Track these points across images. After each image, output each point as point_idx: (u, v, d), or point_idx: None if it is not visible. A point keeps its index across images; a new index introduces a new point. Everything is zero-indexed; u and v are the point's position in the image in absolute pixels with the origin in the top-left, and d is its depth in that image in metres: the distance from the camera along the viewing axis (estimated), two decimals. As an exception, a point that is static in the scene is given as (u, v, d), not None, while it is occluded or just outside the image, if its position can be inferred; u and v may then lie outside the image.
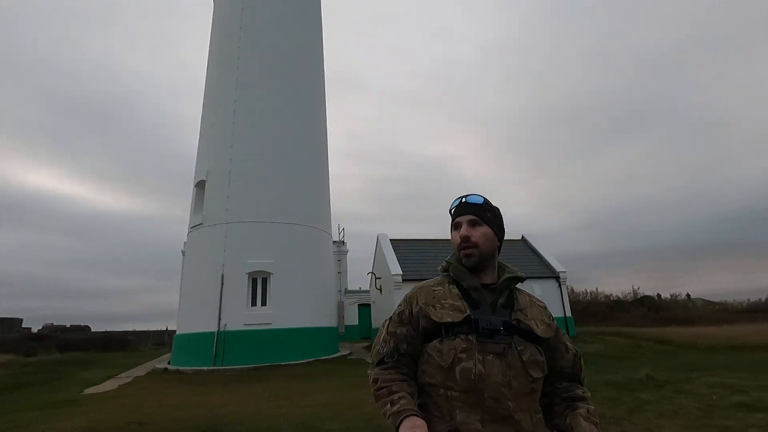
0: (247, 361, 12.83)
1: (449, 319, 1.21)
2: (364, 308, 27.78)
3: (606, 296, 29.40)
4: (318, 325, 15.09)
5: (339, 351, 16.12)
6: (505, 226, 1.44)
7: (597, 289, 29.13)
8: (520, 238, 20.42)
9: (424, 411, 1.18)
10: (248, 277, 14.33)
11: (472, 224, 1.33)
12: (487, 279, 1.30)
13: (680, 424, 5.21)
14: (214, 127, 16.59)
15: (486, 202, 1.39)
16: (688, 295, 34.75)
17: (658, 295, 30.32)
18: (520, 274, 1.35)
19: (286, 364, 12.80)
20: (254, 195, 15.16)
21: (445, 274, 1.39)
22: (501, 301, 1.26)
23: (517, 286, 1.36)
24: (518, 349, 1.18)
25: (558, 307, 17.17)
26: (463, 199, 1.39)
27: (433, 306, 1.26)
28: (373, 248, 20.52)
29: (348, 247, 29.44)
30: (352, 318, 26.76)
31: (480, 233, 1.31)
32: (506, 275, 1.31)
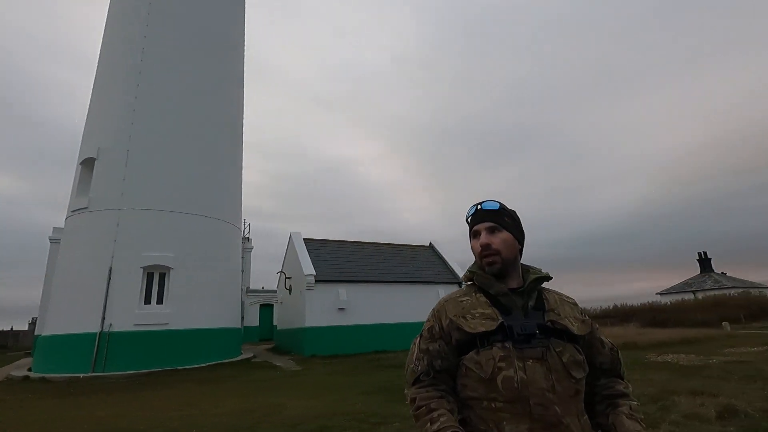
0: (137, 366, 11.40)
1: (483, 329, 1.17)
2: (266, 309, 26.66)
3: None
4: (221, 326, 14.07)
5: (242, 354, 15.21)
6: (524, 229, 1.40)
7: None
8: (427, 244, 21.51)
9: (467, 426, 1.15)
10: (143, 272, 12.79)
11: (491, 231, 1.30)
12: (513, 283, 1.28)
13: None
14: (111, 99, 14.53)
15: (502, 207, 1.35)
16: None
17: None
18: (545, 273, 1.32)
19: (184, 369, 11.67)
20: (156, 179, 13.61)
21: (470, 283, 1.35)
22: (531, 303, 1.24)
23: (544, 285, 1.33)
24: (557, 350, 1.15)
25: (459, 311, 18.47)
26: (479, 207, 1.35)
27: (464, 317, 1.22)
28: (272, 245, 19.84)
29: (252, 243, 28.00)
30: (253, 318, 25.47)
31: (500, 239, 1.28)
32: (532, 276, 1.28)
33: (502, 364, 1.12)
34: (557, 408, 1.09)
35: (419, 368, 1.25)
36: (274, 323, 25.02)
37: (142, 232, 12.97)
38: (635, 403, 1.23)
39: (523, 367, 1.11)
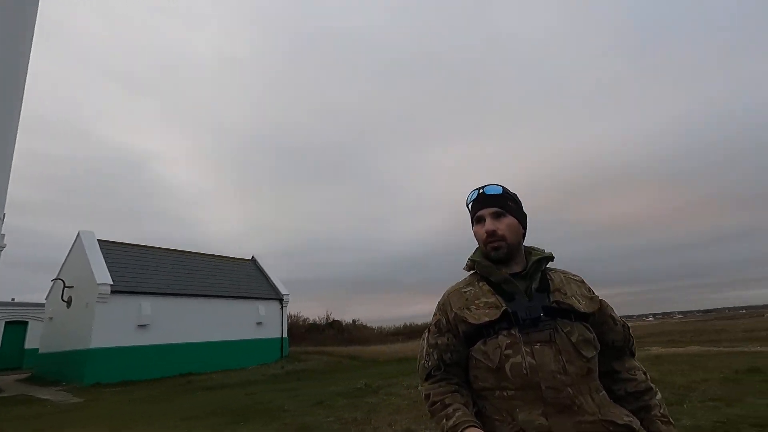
0: None
1: (487, 318, 1.16)
2: (15, 327, 20.34)
3: (304, 319, 32.78)
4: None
5: (-21, 387, 11.21)
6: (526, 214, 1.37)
7: (299, 312, 32.09)
8: (249, 258, 20.52)
9: (483, 417, 1.14)
10: None
11: (496, 216, 1.26)
12: (517, 267, 1.25)
13: (406, 416, 6.77)
14: None
15: (505, 190, 1.31)
16: (353, 321, 43.14)
17: (331, 320, 35.92)
18: (548, 253, 1.28)
19: None
20: None
21: (473, 272, 1.33)
22: (534, 285, 1.20)
23: (549, 265, 1.30)
24: (565, 331, 1.12)
25: (278, 329, 18.08)
26: (481, 191, 1.31)
27: (468, 308, 1.21)
28: (26, 245, 15.72)
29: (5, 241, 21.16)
30: (-9, 340, 19.00)
31: (505, 224, 1.25)
32: (534, 257, 1.25)
33: (509, 352, 1.11)
34: (570, 389, 1.07)
35: (429, 363, 1.25)
36: (29, 346, 19.28)
37: None
38: (660, 396, 1.21)
39: (530, 351, 1.10)
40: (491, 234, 1.24)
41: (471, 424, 1.07)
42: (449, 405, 1.14)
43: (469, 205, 1.34)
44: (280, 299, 18.55)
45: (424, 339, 1.31)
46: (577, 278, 1.29)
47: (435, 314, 1.31)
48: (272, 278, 19.41)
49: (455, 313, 1.23)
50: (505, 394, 1.11)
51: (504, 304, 1.17)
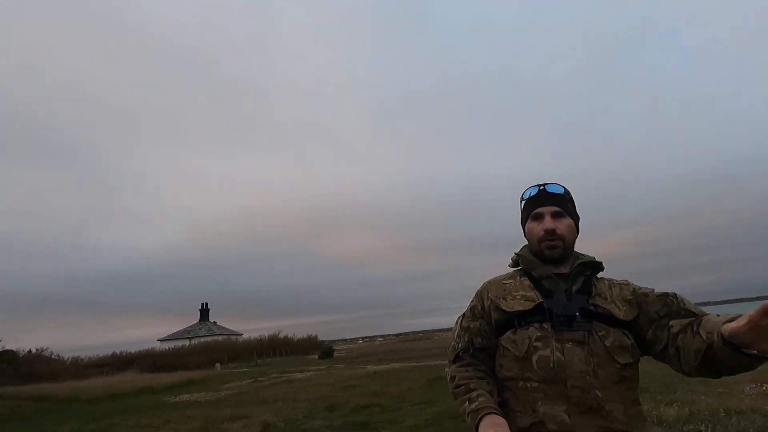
0: None
1: (520, 308, 1.17)
2: None
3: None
4: None
5: None
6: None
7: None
8: None
9: (506, 408, 1.13)
10: None
11: (557, 216, 1.24)
12: (563, 269, 1.24)
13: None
14: None
15: (566, 191, 1.30)
16: (35, 350, 33.01)
17: (2, 349, 26.45)
18: (596, 260, 1.26)
19: None
20: None
21: (516, 268, 1.34)
22: (576, 287, 1.19)
23: (599, 275, 1.26)
24: (599, 334, 1.09)
25: None
26: (542, 187, 1.29)
27: (504, 298, 1.23)
28: None
29: None
30: None
31: (565, 225, 1.24)
32: (579, 261, 1.24)
33: (538, 344, 1.10)
34: (598, 392, 1.04)
35: (459, 345, 1.27)
36: None
37: None
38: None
39: (561, 348, 1.08)
40: (550, 232, 1.22)
41: (492, 410, 1.08)
42: (473, 390, 1.15)
43: (524, 201, 1.33)
44: None
45: (457, 323, 1.34)
46: (622, 281, 1.26)
47: (472, 300, 1.33)
48: None
49: (491, 300, 1.25)
50: (528, 385, 1.11)
51: (540, 299, 1.18)
